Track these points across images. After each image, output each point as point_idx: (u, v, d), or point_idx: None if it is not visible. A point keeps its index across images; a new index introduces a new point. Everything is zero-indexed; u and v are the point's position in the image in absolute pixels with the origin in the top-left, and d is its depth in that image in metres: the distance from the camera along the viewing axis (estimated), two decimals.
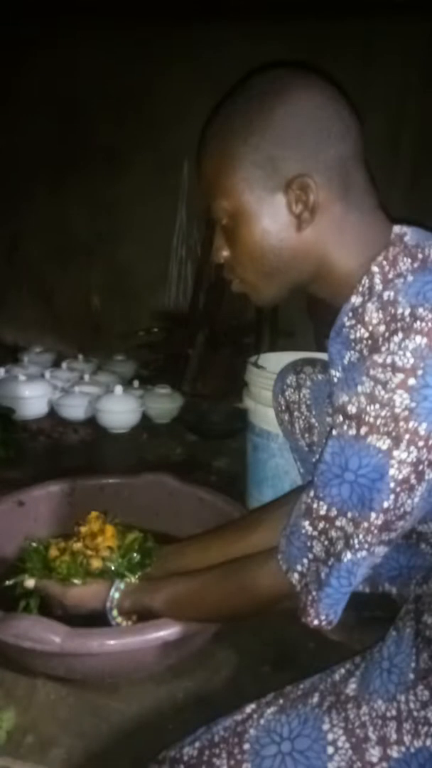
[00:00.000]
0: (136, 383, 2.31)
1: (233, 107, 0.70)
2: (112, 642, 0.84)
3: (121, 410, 2.08)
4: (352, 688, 0.65)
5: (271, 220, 0.69)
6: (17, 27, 2.65)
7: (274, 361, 1.47)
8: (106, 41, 2.65)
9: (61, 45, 2.69)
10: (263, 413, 1.37)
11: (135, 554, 0.99)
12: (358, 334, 0.63)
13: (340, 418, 0.62)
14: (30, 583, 0.96)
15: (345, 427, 0.62)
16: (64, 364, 2.51)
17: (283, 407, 1.04)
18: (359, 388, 0.60)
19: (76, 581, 0.94)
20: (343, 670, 0.68)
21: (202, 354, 2.53)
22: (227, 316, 2.64)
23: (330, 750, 0.61)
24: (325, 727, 0.62)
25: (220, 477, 1.75)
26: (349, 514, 0.62)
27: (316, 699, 0.65)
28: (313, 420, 1.00)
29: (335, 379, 0.67)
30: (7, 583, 0.99)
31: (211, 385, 2.49)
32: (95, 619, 0.91)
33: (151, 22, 2.55)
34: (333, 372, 0.68)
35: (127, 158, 2.76)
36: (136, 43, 2.62)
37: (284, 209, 0.68)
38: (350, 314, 0.65)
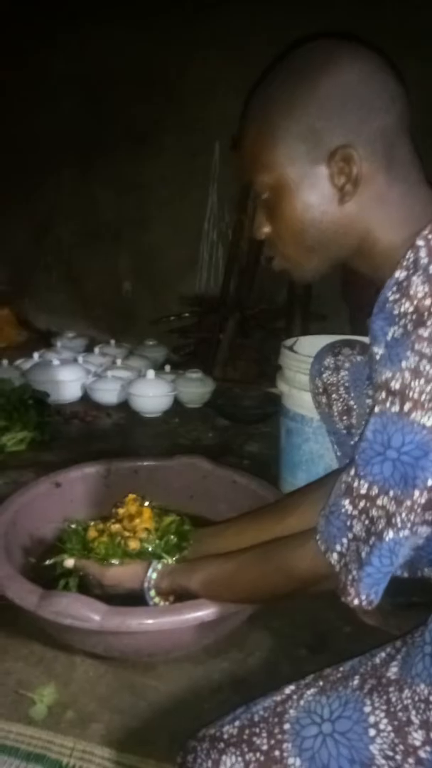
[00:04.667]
0: (167, 368, 2.32)
1: (275, 80, 0.69)
2: (150, 621, 0.85)
3: (153, 395, 2.09)
4: (393, 671, 0.64)
5: (312, 193, 0.68)
6: (44, 6, 2.65)
7: (308, 344, 1.45)
8: (136, 22, 2.63)
9: (89, 26, 2.68)
10: (298, 397, 1.36)
11: (172, 536, 0.99)
12: (402, 309, 0.61)
13: (383, 394, 0.61)
14: (69, 562, 0.97)
15: (388, 404, 0.60)
16: (96, 349, 2.53)
17: (321, 390, 1.03)
18: (403, 364, 0.59)
19: (114, 561, 0.95)
20: (383, 654, 0.67)
21: (233, 338, 2.52)
22: (258, 300, 2.63)
23: (372, 732, 0.60)
24: (367, 709, 0.62)
25: (252, 461, 1.75)
26: (391, 493, 0.61)
27: (356, 681, 0.65)
28: (351, 402, 0.98)
29: (377, 357, 0.65)
30: (47, 562, 1.01)
31: (242, 370, 2.49)
32: (133, 599, 0.92)
33: (181, 3, 2.52)
34: (375, 349, 0.66)
35: (156, 140, 2.75)
36: (167, 23, 2.59)
37: (326, 182, 0.67)
38: (394, 288, 0.64)
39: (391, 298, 0.64)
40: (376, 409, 0.62)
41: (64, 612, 0.85)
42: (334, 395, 1.01)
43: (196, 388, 2.18)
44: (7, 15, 2.73)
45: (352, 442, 0.99)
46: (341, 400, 1.00)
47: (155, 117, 2.73)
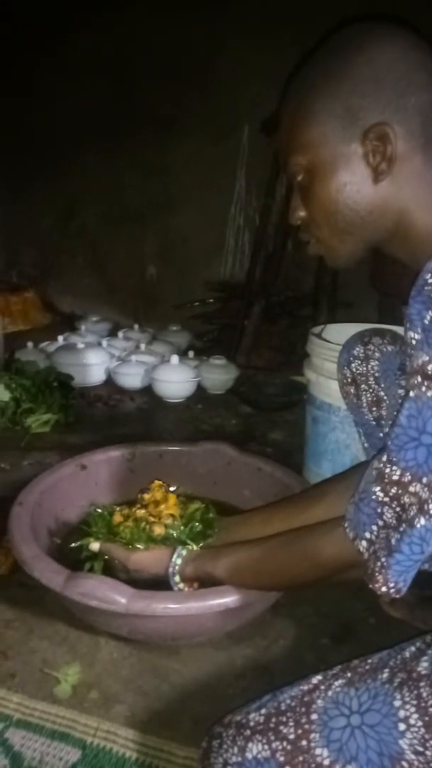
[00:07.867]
0: (191, 354, 2.31)
1: (312, 61, 0.69)
2: (175, 605, 0.85)
3: (177, 380, 2.09)
4: (424, 666, 0.63)
5: (346, 172, 0.67)
6: None
7: (336, 332, 1.43)
8: (165, 5, 2.59)
9: (118, 9, 2.65)
10: (325, 385, 1.35)
11: (197, 523, 0.99)
12: None
13: (418, 378, 0.60)
14: (95, 546, 0.98)
15: (423, 388, 0.59)
16: (120, 333, 2.54)
17: (349, 380, 1.01)
18: None
19: (139, 546, 0.95)
20: (413, 648, 0.66)
21: (258, 325, 2.50)
22: (284, 287, 2.60)
23: (402, 727, 0.59)
24: (397, 703, 0.61)
25: (275, 449, 1.74)
26: (425, 480, 0.60)
27: (386, 675, 0.64)
28: (381, 393, 0.97)
29: (413, 342, 0.63)
30: (73, 545, 1.01)
31: (266, 357, 2.47)
32: (157, 584, 0.92)
33: None
34: (411, 334, 0.64)
35: (183, 123, 2.72)
36: (197, 7, 2.55)
37: (361, 161, 0.66)
38: None
39: (430, 281, 0.62)
40: (411, 394, 0.61)
41: (90, 594, 0.85)
42: (363, 386, 0.99)
43: (219, 375, 2.18)
44: None
45: (381, 434, 0.98)
46: (371, 390, 0.98)
47: (183, 100, 2.69)
